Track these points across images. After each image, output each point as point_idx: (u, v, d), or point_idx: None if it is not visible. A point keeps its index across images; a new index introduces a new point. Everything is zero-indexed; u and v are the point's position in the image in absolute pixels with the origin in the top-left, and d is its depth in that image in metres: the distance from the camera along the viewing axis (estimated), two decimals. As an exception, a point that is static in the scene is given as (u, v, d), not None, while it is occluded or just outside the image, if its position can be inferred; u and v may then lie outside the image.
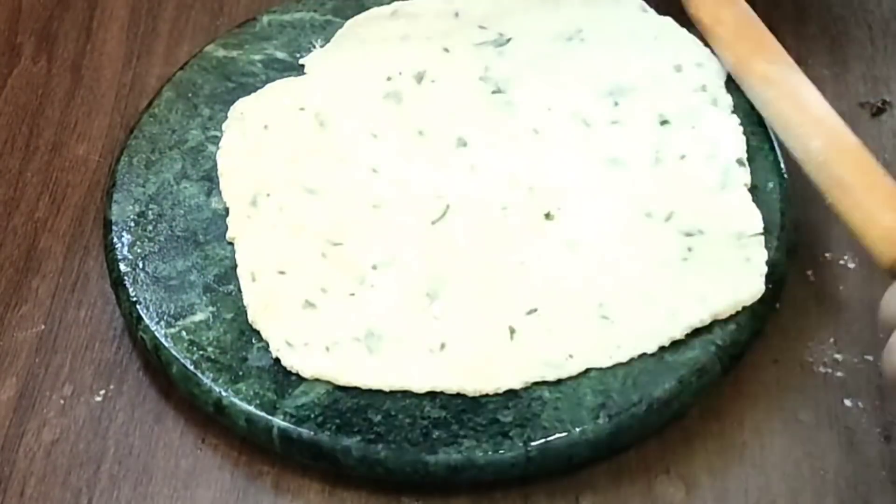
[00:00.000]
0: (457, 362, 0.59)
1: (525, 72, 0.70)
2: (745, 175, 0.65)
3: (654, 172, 0.65)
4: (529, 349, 0.60)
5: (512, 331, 0.60)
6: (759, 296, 0.60)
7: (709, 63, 0.69)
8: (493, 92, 0.69)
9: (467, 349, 0.60)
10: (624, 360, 0.59)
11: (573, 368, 0.59)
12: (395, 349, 0.60)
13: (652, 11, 0.71)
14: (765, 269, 0.61)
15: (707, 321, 0.60)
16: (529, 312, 0.61)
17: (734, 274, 0.61)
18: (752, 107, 0.68)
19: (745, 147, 0.66)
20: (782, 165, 0.66)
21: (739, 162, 0.65)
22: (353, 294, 0.62)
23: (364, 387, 0.59)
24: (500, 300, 0.61)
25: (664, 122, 0.67)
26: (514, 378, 0.59)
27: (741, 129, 0.66)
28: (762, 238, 0.62)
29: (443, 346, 0.60)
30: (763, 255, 0.62)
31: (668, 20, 0.71)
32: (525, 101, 0.68)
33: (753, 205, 0.64)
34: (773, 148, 0.66)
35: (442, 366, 0.59)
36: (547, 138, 0.67)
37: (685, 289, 0.61)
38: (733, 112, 0.67)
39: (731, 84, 0.68)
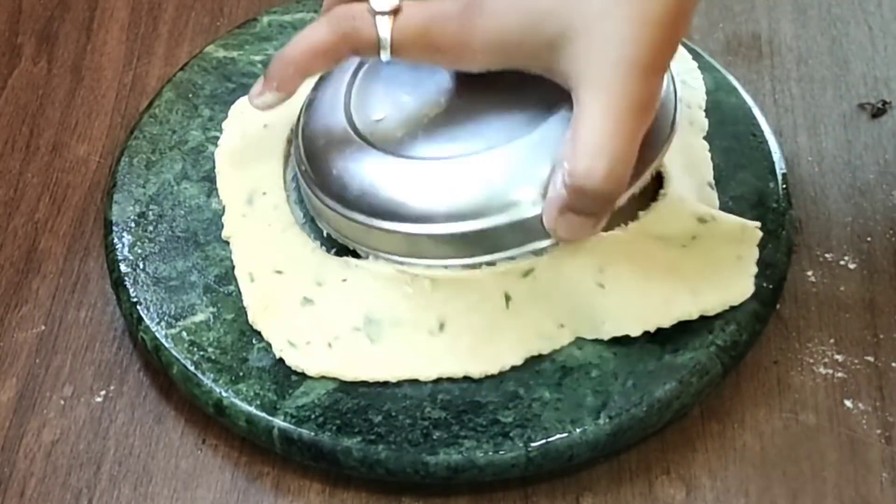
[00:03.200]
0: (457, 342, 0.59)
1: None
2: (714, 199, 0.64)
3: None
4: (525, 316, 0.60)
5: (507, 297, 0.60)
6: (747, 296, 0.60)
7: (694, 81, 0.69)
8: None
9: (465, 326, 0.60)
10: (606, 337, 0.59)
11: (564, 339, 0.59)
12: (396, 335, 0.60)
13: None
14: (755, 270, 0.61)
15: (695, 316, 0.59)
16: (525, 274, 0.61)
17: (726, 272, 0.61)
18: (751, 107, 0.68)
19: (712, 172, 0.65)
20: (782, 166, 0.66)
21: (710, 185, 0.65)
22: (345, 280, 0.62)
23: (371, 380, 0.59)
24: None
25: None
26: (513, 355, 0.59)
27: (709, 154, 0.66)
28: (757, 238, 0.62)
29: (441, 326, 0.60)
30: (754, 255, 0.61)
31: None
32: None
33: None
34: (771, 148, 0.66)
35: (444, 349, 0.59)
36: None
37: (680, 280, 0.60)
38: (705, 138, 0.67)
39: (710, 101, 0.68)
